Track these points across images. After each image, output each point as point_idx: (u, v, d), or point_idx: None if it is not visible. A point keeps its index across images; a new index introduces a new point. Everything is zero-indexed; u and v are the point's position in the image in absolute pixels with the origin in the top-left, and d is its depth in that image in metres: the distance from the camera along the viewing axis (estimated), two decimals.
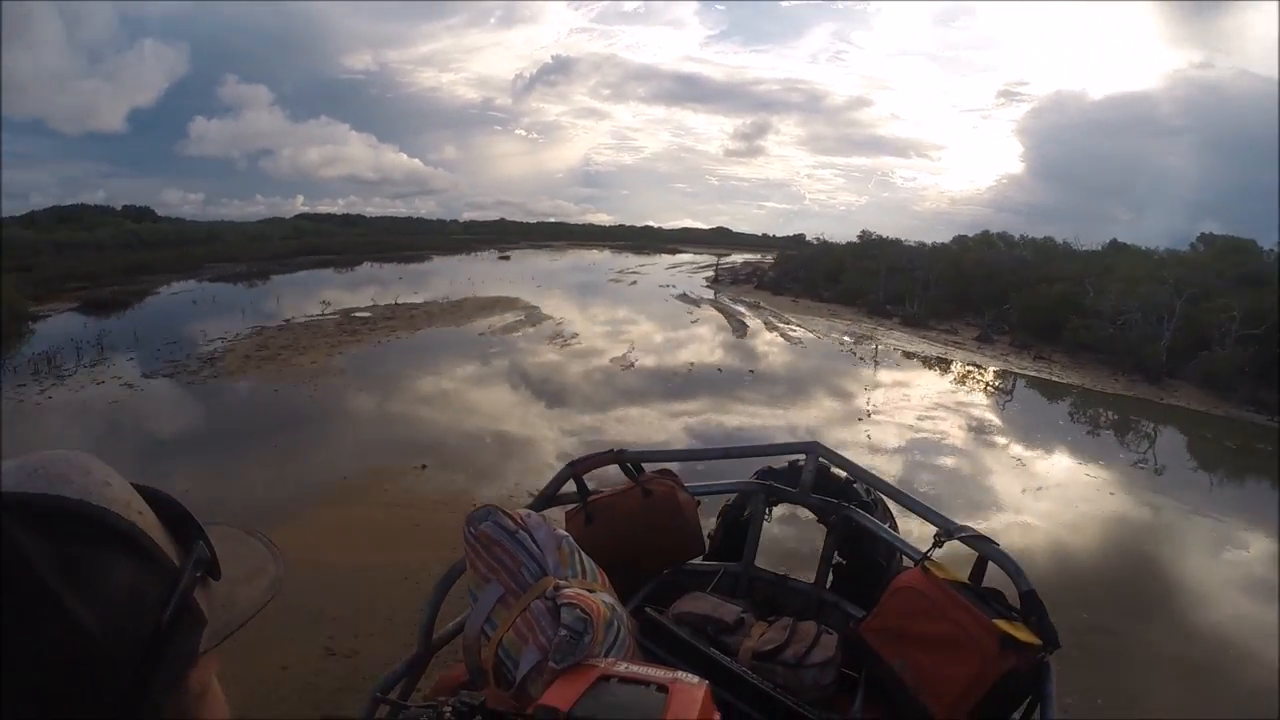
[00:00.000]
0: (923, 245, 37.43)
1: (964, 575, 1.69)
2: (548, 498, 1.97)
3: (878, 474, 2.19)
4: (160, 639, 0.46)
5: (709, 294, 30.45)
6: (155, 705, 0.46)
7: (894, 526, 2.22)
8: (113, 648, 0.44)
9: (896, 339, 20.82)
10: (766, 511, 2.23)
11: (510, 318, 20.01)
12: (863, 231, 41.68)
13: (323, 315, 19.08)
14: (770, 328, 20.98)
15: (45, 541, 0.43)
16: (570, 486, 1.96)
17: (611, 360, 14.99)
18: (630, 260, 55.34)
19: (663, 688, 1.01)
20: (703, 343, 17.90)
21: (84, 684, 0.43)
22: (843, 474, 2.19)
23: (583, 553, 1.47)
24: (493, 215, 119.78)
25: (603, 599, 1.34)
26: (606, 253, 65.71)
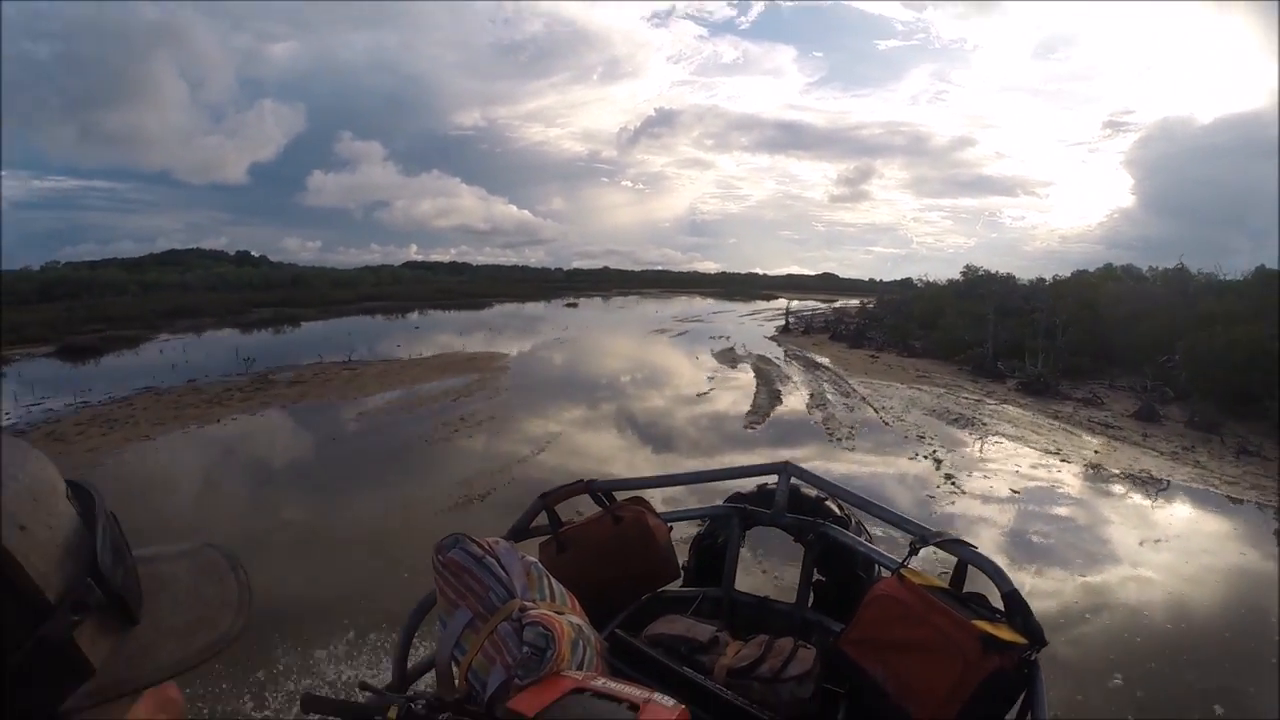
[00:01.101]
0: (1041, 281, 29.03)
1: (946, 583, 1.60)
2: (520, 530, 1.92)
3: (849, 488, 2.05)
4: None
5: (768, 347, 23.53)
6: None
7: (870, 541, 2.06)
8: None
9: (1014, 421, 13.14)
10: (742, 535, 2.10)
11: (454, 382, 15.05)
12: (967, 267, 33.46)
13: (230, 377, 15.31)
14: (818, 403, 13.70)
15: None
16: (543, 519, 1.93)
17: (485, 475, 8.51)
18: (712, 306, 50.57)
19: (634, 706, 0.97)
20: (683, 440, 10.95)
21: None
22: (814, 492, 2.12)
23: (551, 577, 1.44)
24: (601, 264, 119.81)
25: (569, 620, 1.32)
26: (698, 299, 61.17)
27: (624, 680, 1.20)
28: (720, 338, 25.58)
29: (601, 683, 1.08)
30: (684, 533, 2.41)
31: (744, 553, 2.17)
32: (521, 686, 1.13)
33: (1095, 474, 10.11)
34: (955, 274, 34.71)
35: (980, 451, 10.84)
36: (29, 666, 0.37)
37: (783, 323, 30.22)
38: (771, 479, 2.10)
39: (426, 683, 1.59)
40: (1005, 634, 1.42)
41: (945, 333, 21.83)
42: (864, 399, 14.38)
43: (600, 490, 2.02)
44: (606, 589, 1.81)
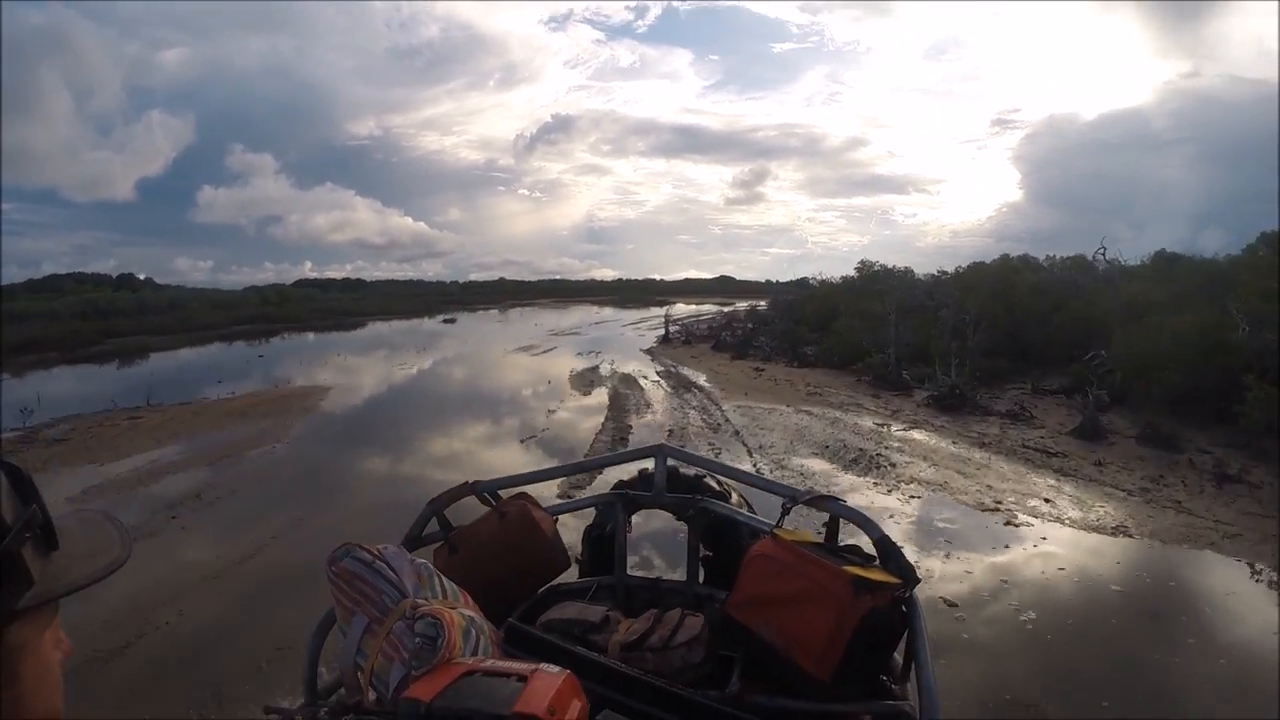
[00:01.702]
0: (942, 274, 26.28)
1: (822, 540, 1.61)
2: (414, 538, 1.87)
3: (724, 463, 2.21)
4: None
5: (639, 363, 19.80)
6: None
7: (752, 511, 2.07)
8: None
9: (931, 455, 9.68)
10: (628, 520, 2.06)
11: (238, 433, 11.55)
12: (862, 262, 30.71)
13: None
14: (676, 443, 9.86)
15: None
16: (434, 526, 1.90)
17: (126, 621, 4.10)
18: (602, 315, 47.42)
19: (523, 677, 1.00)
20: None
21: None
22: (693, 471, 2.13)
23: (442, 576, 1.43)
24: (499, 275, 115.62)
25: (461, 612, 1.32)
26: (590, 308, 58.25)
27: (516, 660, 1.19)
28: (590, 354, 21.71)
29: (491, 663, 1.10)
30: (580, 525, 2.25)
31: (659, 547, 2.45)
32: (417, 676, 1.11)
33: (1066, 547, 6.58)
34: (850, 270, 31.88)
35: (892, 517, 7.16)
36: None
37: (664, 332, 26.51)
38: (651, 461, 2.05)
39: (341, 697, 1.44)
40: (877, 575, 1.42)
41: (840, 337, 18.55)
42: (737, 432, 10.70)
43: (485, 490, 1.96)
44: (501, 585, 1.77)
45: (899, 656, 1.52)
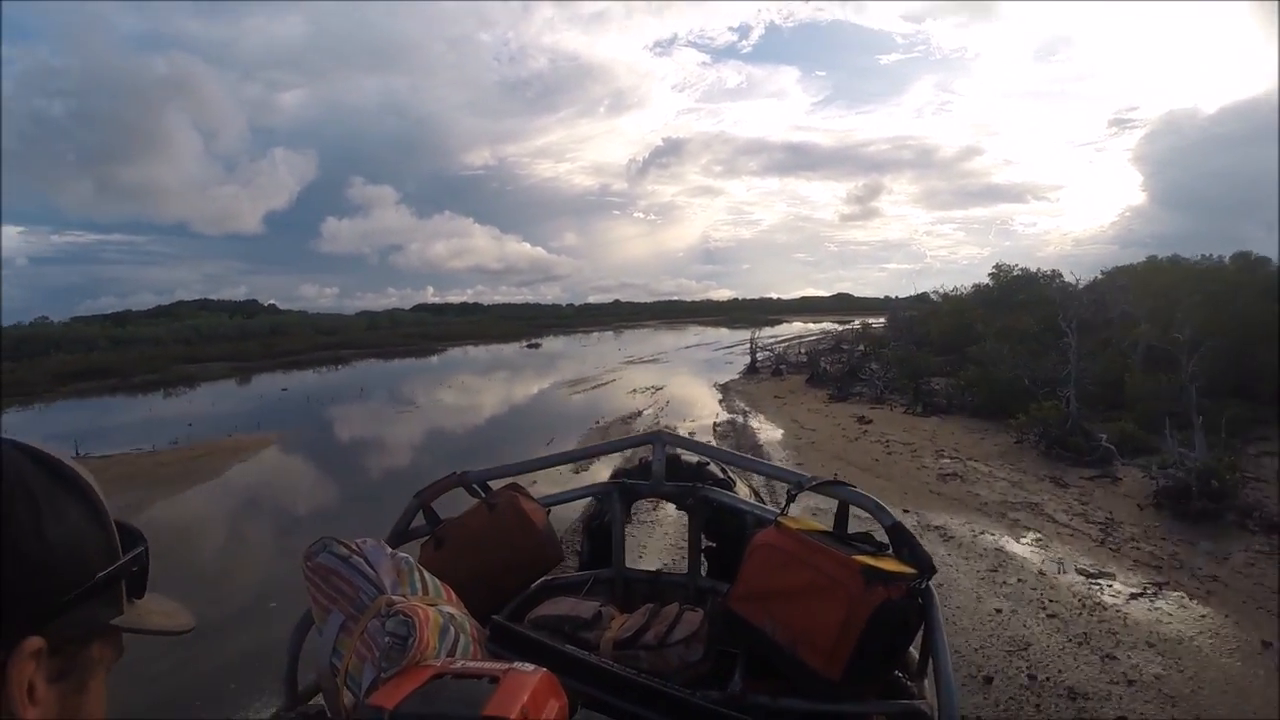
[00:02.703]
0: (1108, 277, 19.60)
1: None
2: (400, 532, 1.77)
3: (726, 449, 2.06)
4: (87, 587, 0.52)
5: (707, 402, 14.78)
6: (60, 636, 0.50)
7: (761, 500, 2.00)
8: (52, 562, 0.50)
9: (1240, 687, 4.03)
10: (626, 511, 1.94)
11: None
12: (998, 266, 24.13)
13: None
14: None
15: (31, 464, 0.52)
16: (420, 520, 1.79)
17: None
18: (702, 336, 43.18)
19: (494, 678, 0.92)
20: None
21: (12, 577, 0.48)
22: (695, 459, 2.00)
23: (424, 571, 1.31)
24: (618, 296, 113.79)
25: (439, 609, 1.21)
26: (696, 329, 53.50)
27: (498, 660, 1.09)
28: (649, 390, 16.84)
29: (462, 664, 1.00)
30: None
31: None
32: (385, 679, 1.01)
33: None
34: (970, 284, 25.48)
35: None
36: (105, 582, 0.53)
37: (752, 359, 21.10)
38: (649, 448, 1.94)
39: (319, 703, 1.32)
40: (890, 565, 1.31)
41: (982, 369, 12.64)
42: None
43: (474, 481, 1.84)
44: (492, 579, 1.65)
45: (914, 651, 1.38)
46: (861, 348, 20.63)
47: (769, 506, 1.81)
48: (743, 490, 1.99)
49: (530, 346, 38.31)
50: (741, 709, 1.23)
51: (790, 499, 1.57)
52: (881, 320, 46.55)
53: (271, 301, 65.05)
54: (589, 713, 1.02)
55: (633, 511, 2.00)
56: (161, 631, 0.59)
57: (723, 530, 1.89)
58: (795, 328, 49.15)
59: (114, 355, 28.07)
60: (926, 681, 1.36)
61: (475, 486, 1.83)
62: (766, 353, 20.81)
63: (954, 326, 19.05)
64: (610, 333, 52.58)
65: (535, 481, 2.42)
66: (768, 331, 42.89)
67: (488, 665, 0.97)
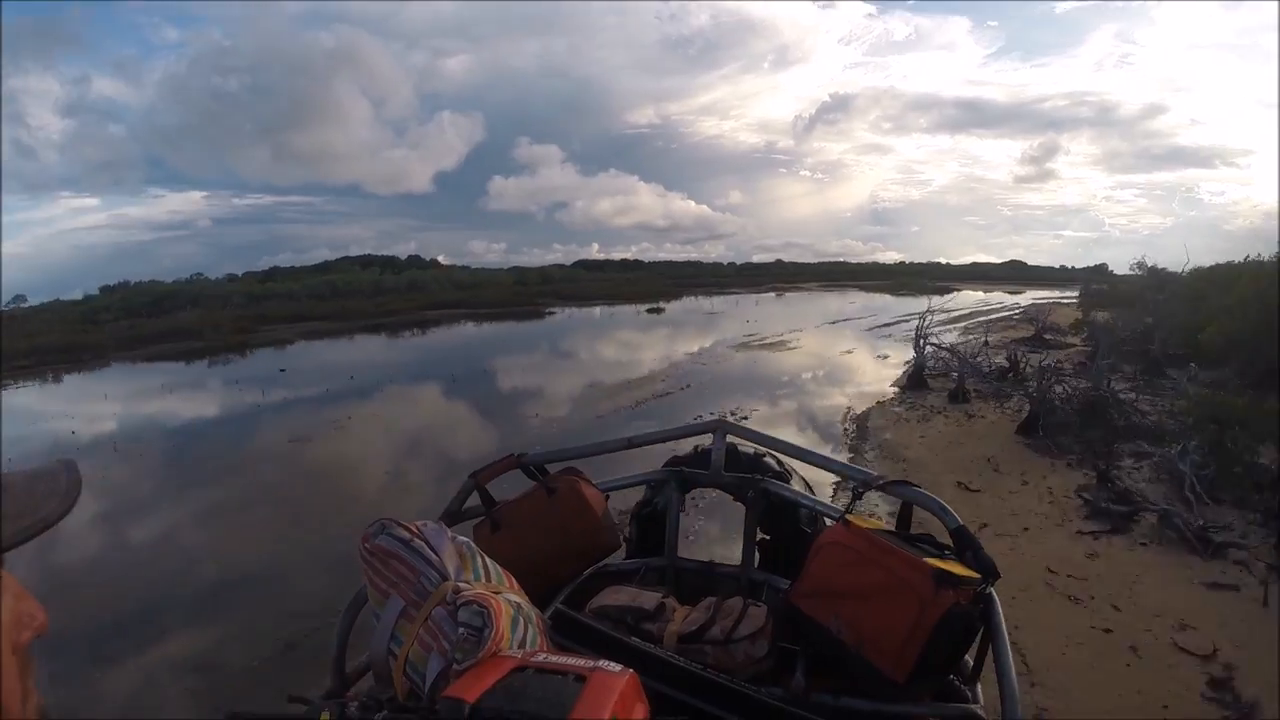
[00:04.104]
0: None
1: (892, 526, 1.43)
2: (453, 513, 1.68)
3: (787, 440, 1.83)
4: None
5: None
6: None
7: (814, 493, 1.86)
8: None
9: None
10: (682, 500, 1.84)
11: None
12: None
13: None
14: None
15: None
16: (475, 500, 1.69)
17: None
18: (858, 305, 35.52)
19: (581, 676, 0.86)
20: None
21: None
22: (752, 449, 1.91)
23: (486, 556, 1.23)
24: (781, 256, 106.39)
25: (507, 598, 1.13)
26: (851, 295, 45.23)
27: (569, 654, 1.02)
28: (733, 411, 10.56)
29: (544, 658, 0.94)
30: (628, 503, 2.00)
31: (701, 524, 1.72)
32: (461, 671, 0.94)
33: None
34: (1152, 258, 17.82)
35: None
36: None
37: (918, 363, 13.98)
38: (708, 439, 1.85)
39: (370, 683, 1.24)
40: (957, 569, 1.24)
41: None
42: None
43: (532, 464, 1.76)
44: (546, 565, 1.58)
45: (969, 657, 1.31)
46: (1091, 351, 13.02)
47: (826, 502, 1.76)
48: (797, 484, 1.86)
49: (651, 311, 32.57)
50: (805, 707, 1.17)
51: (857, 496, 1.52)
52: (1067, 295, 36.65)
53: (437, 257, 66.09)
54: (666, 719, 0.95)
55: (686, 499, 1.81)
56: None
57: (776, 523, 1.82)
58: (968, 298, 39.96)
59: (197, 316, 26.80)
60: (979, 686, 1.31)
61: (533, 468, 1.74)
62: (936, 345, 13.45)
63: (1249, 327, 11.22)
64: (757, 296, 45.60)
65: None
66: (936, 301, 34.48)
67: (572, 661, 0.91)
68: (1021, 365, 12.33)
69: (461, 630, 0.99)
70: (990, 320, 25.60)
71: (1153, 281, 30.59)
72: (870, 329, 23.45)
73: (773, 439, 1.82)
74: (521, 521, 1.62)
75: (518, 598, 1.18)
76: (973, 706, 1.28)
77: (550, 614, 1.30)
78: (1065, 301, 37.02)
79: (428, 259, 62.30)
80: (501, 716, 0.81)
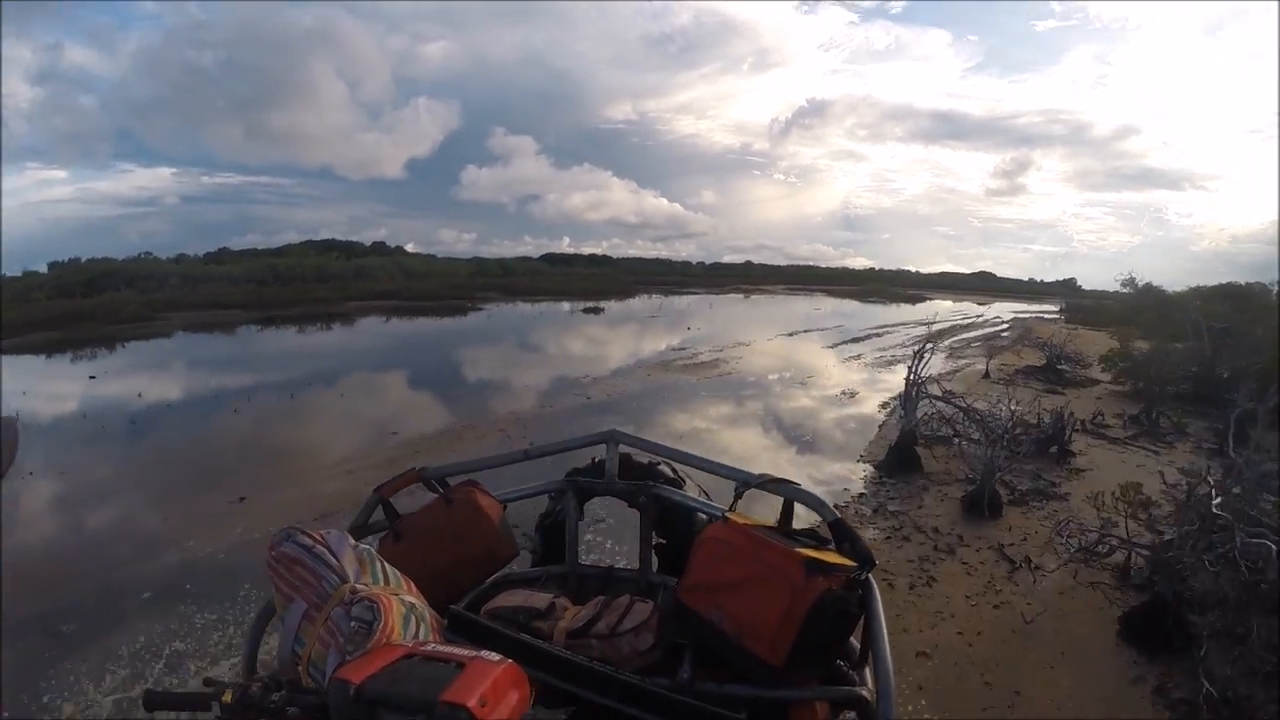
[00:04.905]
0: None
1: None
2: (359, 526, 1.62)
3: (676, 448, 1.82)
4: None
5: None
6: None
7: (709, 499, 1.81)
8: None
9: None
10: (579, 508, 1.84)
11: None
12: None
13: None
14: None
15: None
16: (380, 515, 1.64)
17: None
18: (823, 311, 31.93)
19: (461, 663, 0.88)
20: None
21: None
22: (647, 458, 1.86)
23: (384, 562, 1.23)
24: (752, 258, 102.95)
25: (403, 599, 1.14)
26: (817, 300, 41.69)
27: (458, 646, 1.01)
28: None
29: (432, 647, 0.95)
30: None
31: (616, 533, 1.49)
32: (353, 659, 0.96)
33: None
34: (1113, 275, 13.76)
35: None
36: None
37: (891, 397, 9.12)
38: (603, 448, 1.84)
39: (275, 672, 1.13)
40: (832, 558, 1.24)
41: None
42: None
43: (433, 477, 1.71)
44: (447, 573, 1.54)
45: (855, 642, 1.31)
46: (1109, 380, 8.25)
47: (717, 504, 1.69)
48: (692, 490, 1.84)
49: (587, 311, 27.43)
50: (689, 695, 1.19)
51: (738, 496, 1.54)
52: (1045, 309, 33.13)
53: (405, 244, 63.02)
54: (542, 710, 0.97)
55: (585, 508, 1.83)
56: None
57: (673, 527, 1.81)
58: (942, 307, 35.59)
59: (109, 299, 22.71)
60: (868, 669, 1.29)
61: (434, 482, 1.70)
62: (930, 397, 8.42)
63: None
64: (717, 297, 40.77)
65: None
66: (909, 315, 29.78)
67: (458, 651, 0.92)
68: (1068, 428, 7.53)
69: (353, 624, 1.01)
70: (977, 337, 20.93)
71: (1148, 300, 25.90)
72: (836, 344, 18.53)
73: (664, 447, 1.80)
74: (421, 532, 1.59)
75: (413, 599, 1.18)
76: (857, 689, 1.26)
77: (446, 615, 1.26)
78: (1047, 317, 32.82)
79: (394, 246, 58.02)
80: (381, 696, 0.83)
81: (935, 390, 7.77)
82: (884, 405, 10.20)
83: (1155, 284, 22.90)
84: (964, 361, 15.17)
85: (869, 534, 5.32)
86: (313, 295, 28.32)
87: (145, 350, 16.13)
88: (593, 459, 1.87)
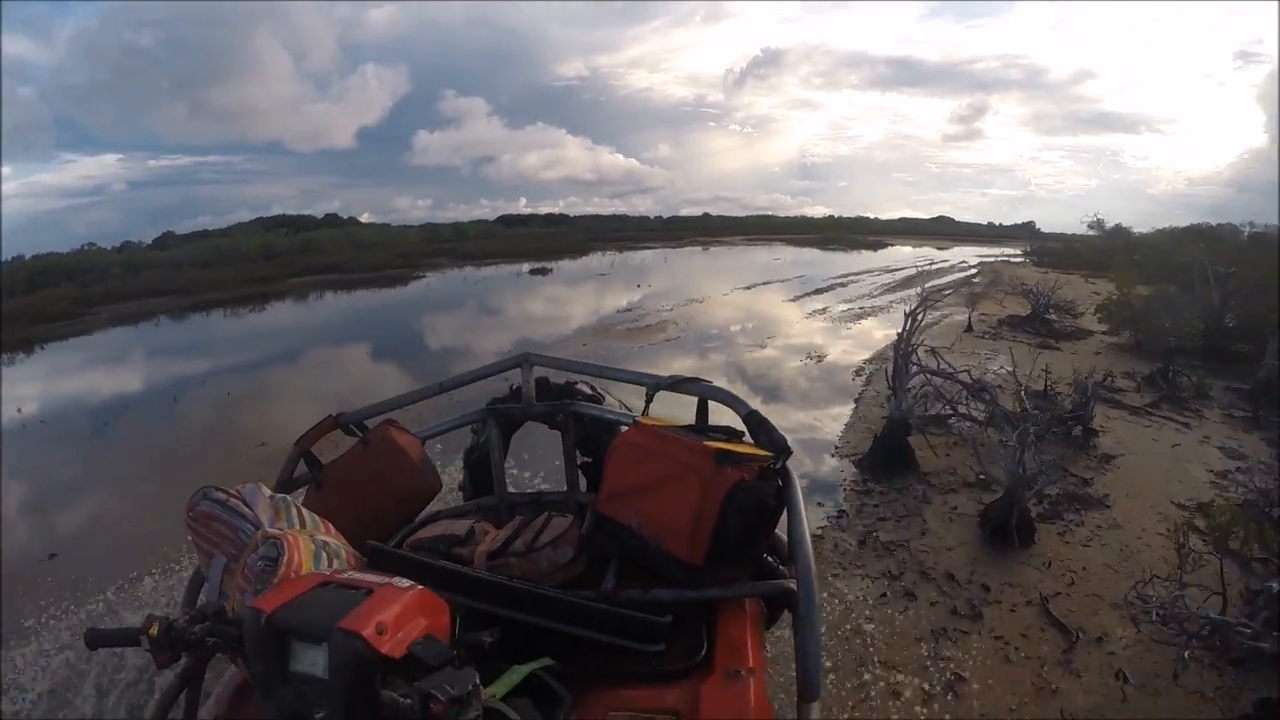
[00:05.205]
0: None
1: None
2: (284, 481, 1.60)
3: (590, 362, 1.85)
4: None
5: None
6: None
7: (628, 410, 1.79)
8: None
9: None
10: (503, 437, 1.78)
11: None
12: None
13: None
14: None
15: None
16: (303, 468, 1.63)
17: None
18: (782, 260, 28.96)
19: (370, 591, 0.87)
20: None
21: None
22: (564, 378, 1.85)
23: (301, 507, 1.23)
24: (710, 210, 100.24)
25: (314, 537, 1.14)
26: (777, 249, 38.26)
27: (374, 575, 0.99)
28: None
29: (347, 576, 0.94)
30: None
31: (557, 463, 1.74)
32: (267, 591, 0.95)
33: None
34: (1075, 218, 12.52)
35: None
36: None
37: (866, 360, 7.42)
38: (518, 372, 1.81)
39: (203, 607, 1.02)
40: (743, 449, 1.22)
41: None
42: None
43: (350, 422, 1.71)
44: (373, 515, 1.51)
45: (783, 535, 1.24)
46: (1104, 332, 6.70)
47: (632, 413, 1.67)
48: (614, 404, 1.82)
49: (534, 273, 25.02)
50: (613, 603, 1.15)
51: (649, 400, 1.51)
52: (1009, 253, 32.52)
53: (359, 215, 58.76)
54: (473, 634, 0.93)
55: (513, 443, 1.79)
56: None
57: (597, 443, 1.76)
58: (904, 253, 34.15)
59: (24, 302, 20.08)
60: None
61: (351, 426, 1.70)
62: (925, 374, 6.65)
63: None
64: (673, 251, 38.74)
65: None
66: (873, 262, 28.15)
67: (369, 578, 0.91)
68: (1091, 401, 5.95)
69: (260, 563, 1.01)
70: (947, 284, 19.47)
71: (1118, 242, 24.87)
72: (798, 296, 16.82)
73: (578, 363, 1.78)
74: (342, 478, 1.56)
75: (327, 538, 1.17)
76: (785, 581, 1.19)
77: (366, 551, 1.23)
78: (1013, 260, 31.51)
79: (347, 217, 54.27)
80: (288, 625, 0.82)
81: (925, 356, 6.08)
82: (859, 371, 8.53)
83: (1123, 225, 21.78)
84: (940, 313, 13.62)
85: (855, 587, 3.62)
86: (256, 274, 25.91)
87: (59, 353, 14.05)
88: (511, 386, 1.82)
